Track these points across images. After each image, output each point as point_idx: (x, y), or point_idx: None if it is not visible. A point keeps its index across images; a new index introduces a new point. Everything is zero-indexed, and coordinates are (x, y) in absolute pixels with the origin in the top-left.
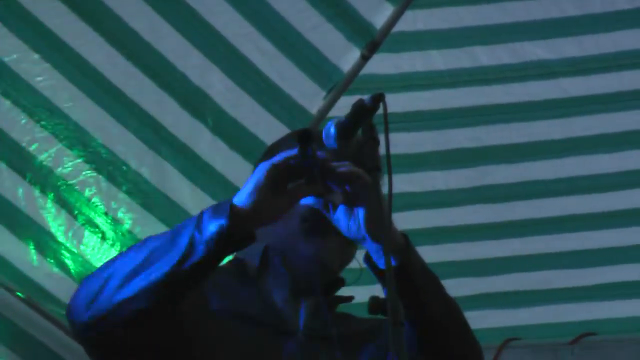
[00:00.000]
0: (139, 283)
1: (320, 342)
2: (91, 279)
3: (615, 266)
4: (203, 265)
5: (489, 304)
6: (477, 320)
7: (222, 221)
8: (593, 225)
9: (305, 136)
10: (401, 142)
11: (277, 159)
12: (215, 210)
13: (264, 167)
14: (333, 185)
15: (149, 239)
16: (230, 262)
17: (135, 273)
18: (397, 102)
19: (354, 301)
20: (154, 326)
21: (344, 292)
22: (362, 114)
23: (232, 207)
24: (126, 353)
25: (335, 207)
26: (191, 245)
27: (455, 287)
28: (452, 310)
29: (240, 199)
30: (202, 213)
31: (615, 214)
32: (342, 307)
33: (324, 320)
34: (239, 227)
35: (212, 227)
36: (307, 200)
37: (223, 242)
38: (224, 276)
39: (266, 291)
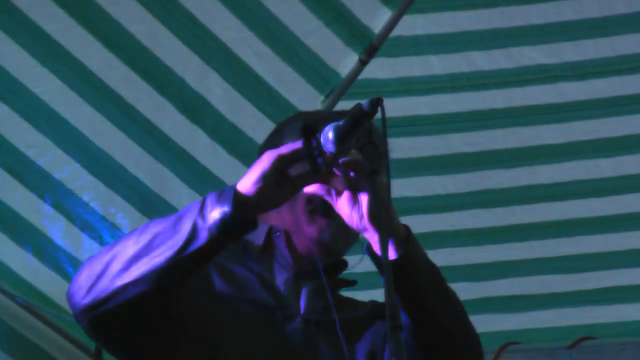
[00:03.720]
0: (141, 268)
1: (320, 326)
2: (93, 262)
3: (613, 270)
4: (205, 251)
5: (487, 308)
6: (476, 324)
7: (226, 208)
8: (592, 229)
9: (308, 129)
10: (400, 147)
11: (283, 149)
12: (218, 197)
13: (271, 156)
14: (337, 172)
15: (151, 223)
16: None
17: (137, 257)
18: (395, 107)
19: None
20: (154, 309)
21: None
22: (360, 119)
23: (236, 194)
24: (127, 335)
25: (338, 194)
26: (194, 231)
27: None
28: (452, 305)
29: (245, 186)
30: (205, 199)
31: (615, 218)
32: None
33: (325, 304)
34: (242, 215)
35: (215, 213)
36: (310, 187)
37: (226, 229)
38: (228, 257)
39: (268, 273)
